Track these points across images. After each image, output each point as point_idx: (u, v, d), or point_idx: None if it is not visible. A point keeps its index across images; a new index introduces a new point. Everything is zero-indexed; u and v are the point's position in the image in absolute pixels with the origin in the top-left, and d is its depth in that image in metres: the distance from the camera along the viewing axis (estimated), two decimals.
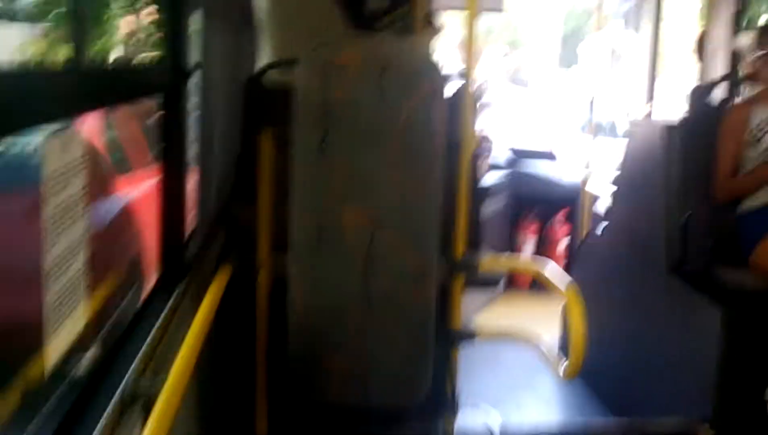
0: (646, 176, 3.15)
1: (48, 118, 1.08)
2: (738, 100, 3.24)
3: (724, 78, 3.62)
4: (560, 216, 5.34)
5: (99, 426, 1.14)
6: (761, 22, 3.78)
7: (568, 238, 5.32)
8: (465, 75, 2.14)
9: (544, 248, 5.36)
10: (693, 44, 2.95)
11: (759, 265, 2.70)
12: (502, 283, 4.89)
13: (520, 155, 5.65)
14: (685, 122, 2.99)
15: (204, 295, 1.75)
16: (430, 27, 2.53)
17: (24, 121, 1.00)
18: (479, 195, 2.40)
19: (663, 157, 2.98)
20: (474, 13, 2.16)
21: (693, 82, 3.05)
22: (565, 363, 2.10)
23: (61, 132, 1.09)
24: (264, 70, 2.28)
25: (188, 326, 1.54)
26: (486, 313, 4.70)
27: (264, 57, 2.58)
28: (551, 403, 3.54)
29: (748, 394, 2.56)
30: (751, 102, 2.91)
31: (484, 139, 5.07)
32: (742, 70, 3.10)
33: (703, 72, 3.08)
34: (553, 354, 2.21)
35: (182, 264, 1.81)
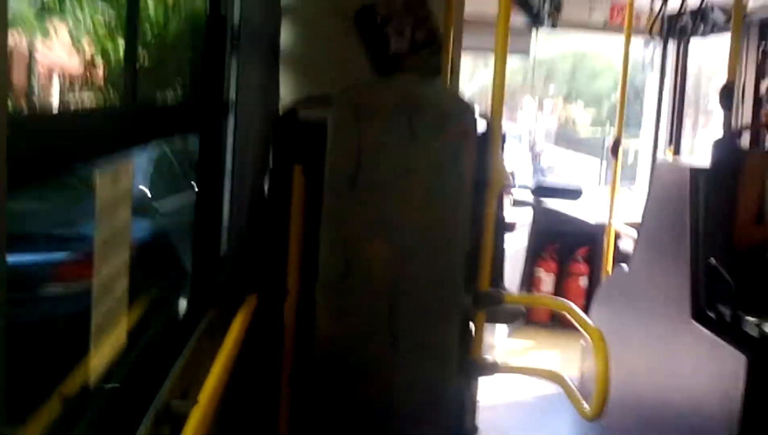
0: (670, 219, 3.17)
1: (101, 153, 1.16)
2: (762, 147, 3.26)
3: (747, 126, 3.66)
4: (581, 253, 5.36)
5: None
6: None
7: (588, 275, 5.32)
8: (493, 115, 2.20)
9: (563, 284, 5.37)
10: (717, 93, 2.99)
11: None
12: (522, 318, 4.90)
13: (544, 191, 5.68)
14: (710, 168, 3.02)
15: (233, 320, 1.82)
16: (454, 70, 2.58)
17: (81, 155, 1.08)
18: (503, 231, 2.44)
19: (688, 201, 3.00)
20: (504, 55, 2.21)
21: (718, 128, 3.09)
22: (589, 404, 2.11)
23: (113, 165, 1.18)
24: (297, 106, 2.36)
25: (217, 349, 1.61)
26: (506, 347, 4.71)
27: (287, 91, 2.66)
28: None
29: None
30: None
31: (508, 174, 5.12)
32: (762, 119, 3.13)
33: (728, 119, 3.11)
34: (576, 394, 2.22)
35: (213, 289, 1.89)
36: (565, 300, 2.46)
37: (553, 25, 4.21)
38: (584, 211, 5.37)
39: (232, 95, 1.87)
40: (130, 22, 1.36)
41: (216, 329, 1.79)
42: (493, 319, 2.34)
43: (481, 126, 2.20)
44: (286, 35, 2.42)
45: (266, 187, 2.21)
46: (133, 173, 1.27)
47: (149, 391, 1.40)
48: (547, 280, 5.39)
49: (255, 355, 2.13)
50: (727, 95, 2.97)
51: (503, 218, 2.45)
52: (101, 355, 1.19)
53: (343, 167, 2.00)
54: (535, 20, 4.15)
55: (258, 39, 2.11)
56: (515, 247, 5.00)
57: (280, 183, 2.17)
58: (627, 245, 4.17)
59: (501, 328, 4.68)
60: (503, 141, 2.26)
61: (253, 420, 2.26)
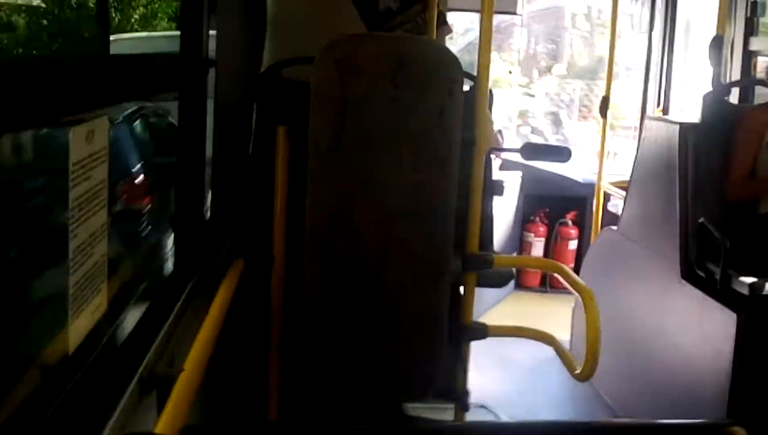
0: (660, 177, 3.15)
1: (74, 109, 1.11)
2: (756, 103, 3.22)
3: (738, 81, 3.62)
4: (571, 215, 5.34)
5: (118, 407, 1.18)
6: None
7: (578, 237, 5.32)
8: (480, 72, 2.15)
9: (553, 247, 5.36)
10: (706, 49, 2.95)
11: None
12: (513, 282, 4.90)
13: (532, 152, 5.62)
14: (700, 124, 2.98)
15: (219, 285, 1.78)
16: (443, 26, 2.54)
17: (51, 110, 1.03)
18: (491, 192, 2.41)
19: (678, 159, 2.98)
20: (490, 13, 2.16)
21: (707, 84, 3.05)
22: (580, 365, 2.10)
23: (87, 122, 1.13)
24: (280, 66, 2.31)
25: (204, 314, 1.58)
26: (496, 311, 4.71)
27: (274, 52, 2.60)
28: (561, 404, 3.54)
29: (765, 400, 2.55)
30: None
31: (497, 134, 5.07)
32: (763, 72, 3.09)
33: (717, 76, 3.08)
34: (567, 355, 2.21)
35: (198, 254, 1.85)
36: (556, 261, 2.44)
37: None
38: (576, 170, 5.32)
39: (213, 53, 1.82)
40: None
41: (202, 295, 1.75)
42: (483, 283, 2.32)
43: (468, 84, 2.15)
44: None
45: (250, 148, 2.17)
46: (110, 130, 1.22)
47: (134, 358, 1.37)
48: (537, 244, 5.38)
49: (242, 320, 2.10)
50: (716, 49, 2.93)
51: (492, 180, 2.42)
52: (80, 321, 1.15)
53: (327, 126, 1.96)
54: None
55: None
56: (505, 210, 4.97)
57: (264, 144, 2.12)
58: (616, 206, 4.15)
59: (492, 293, 4.68)
60: (490, 99, 2.21)
61: (241, 385, 2.24)
